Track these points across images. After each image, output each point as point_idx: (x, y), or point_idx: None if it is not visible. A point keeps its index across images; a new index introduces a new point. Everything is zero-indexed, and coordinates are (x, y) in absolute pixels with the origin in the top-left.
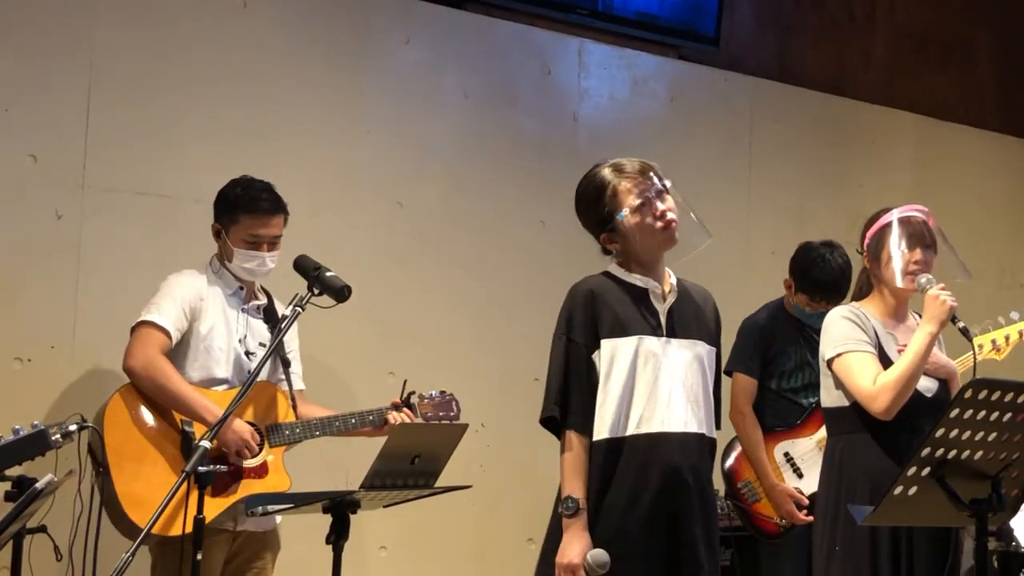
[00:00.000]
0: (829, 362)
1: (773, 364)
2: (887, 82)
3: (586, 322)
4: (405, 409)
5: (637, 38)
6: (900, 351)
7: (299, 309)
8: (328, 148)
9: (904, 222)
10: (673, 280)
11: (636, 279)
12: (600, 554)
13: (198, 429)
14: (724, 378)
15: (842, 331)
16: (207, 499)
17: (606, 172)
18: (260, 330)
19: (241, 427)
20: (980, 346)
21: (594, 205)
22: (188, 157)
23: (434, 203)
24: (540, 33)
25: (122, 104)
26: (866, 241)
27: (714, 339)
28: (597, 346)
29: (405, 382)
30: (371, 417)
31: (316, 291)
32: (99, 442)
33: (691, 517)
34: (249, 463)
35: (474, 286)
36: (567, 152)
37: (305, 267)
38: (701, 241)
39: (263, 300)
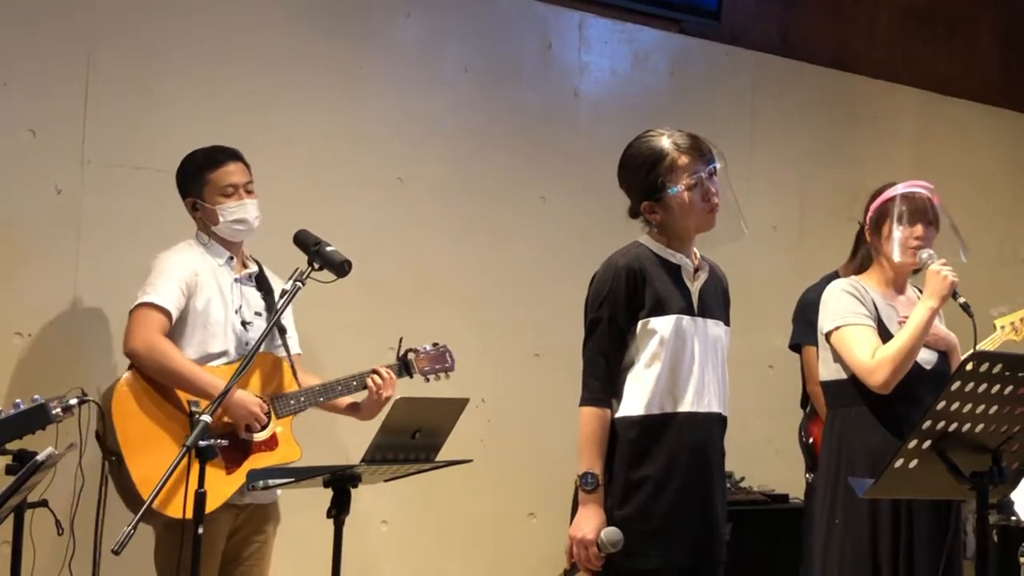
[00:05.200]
0: (827, 335)
1: None
2: (890, 57)
3: (625, 301)
4: (382, 368)
5: (638, 12)
6: (900, 323)
7: (299, 284)
8: (328, 123)
9: (907, 197)
10: (698, 256)
11: (671, 255)
12: (614, 532)
13: (204, 406)
14: (792, 353)
15: (841, 304)
16: (222, 477)
17: (665, 142)
18: (255, 299)
19: (248, 400)
20: (1002, 327)
21: (645, 172)
22: (188, 132)
23: (435, 178)
24: (541, 7)
25: (122, 79)
26: (869, 214)
27: (728, 318)
28: (634, 324)
29: (401, 339)
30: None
31: (316, 266)
32: (108, 431)
33: (715, 495)
34: (258, 436)
35: (474, 261)
36: (568, 127)
37: (305, 242)
38: (735, 232)
39: (254, 268)
